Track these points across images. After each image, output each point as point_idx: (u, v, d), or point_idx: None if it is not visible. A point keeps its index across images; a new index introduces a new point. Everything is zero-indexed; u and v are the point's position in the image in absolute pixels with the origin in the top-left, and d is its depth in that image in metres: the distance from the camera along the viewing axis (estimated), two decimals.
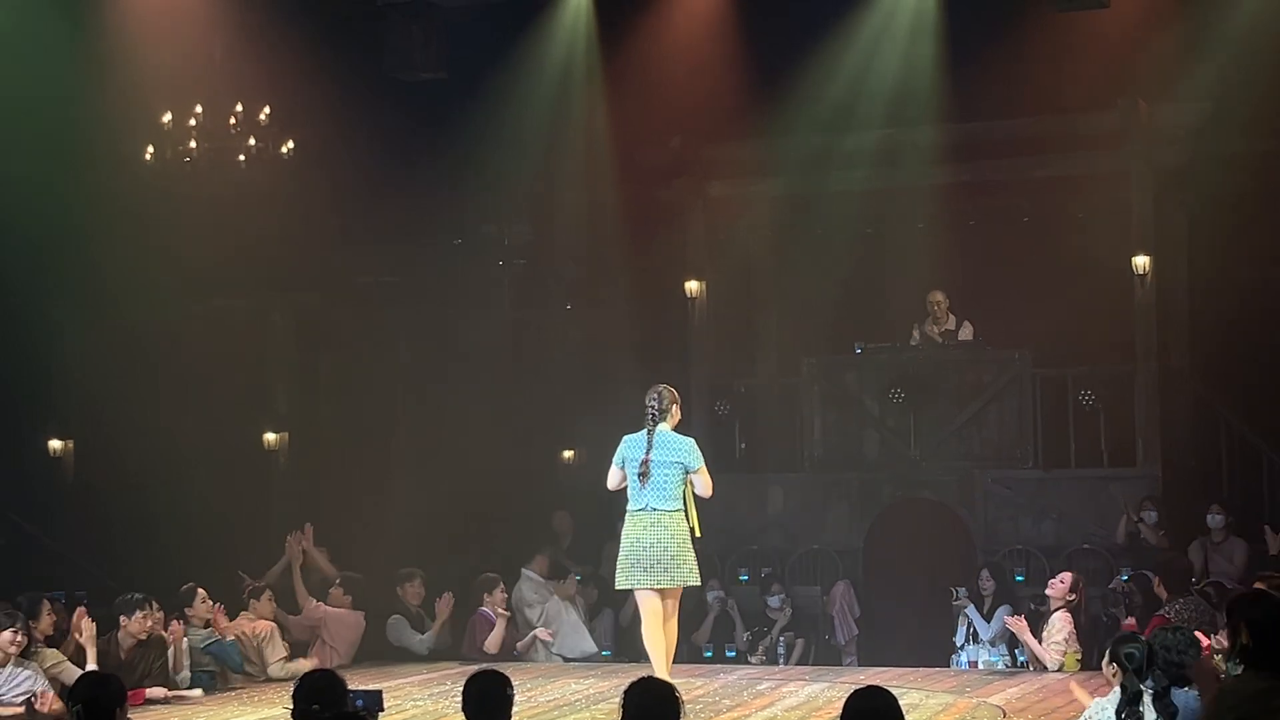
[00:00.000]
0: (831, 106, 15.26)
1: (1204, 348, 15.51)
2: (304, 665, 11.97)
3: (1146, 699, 7.05)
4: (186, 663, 11.46)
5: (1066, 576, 12.28)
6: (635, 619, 14.04)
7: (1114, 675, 7.28)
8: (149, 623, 11.03)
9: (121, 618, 11.02)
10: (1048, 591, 12.30)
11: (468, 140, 15.58)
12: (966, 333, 15.60)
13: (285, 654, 12.17)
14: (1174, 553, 13.19)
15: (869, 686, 5.92)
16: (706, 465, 10.29)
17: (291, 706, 6.53)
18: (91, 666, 10.37)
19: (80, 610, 10.88)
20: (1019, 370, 15.27)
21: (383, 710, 8.30)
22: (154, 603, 11.18)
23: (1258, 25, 14.00)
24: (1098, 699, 7.40)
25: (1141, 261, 15.02)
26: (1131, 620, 11.95)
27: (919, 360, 15.51)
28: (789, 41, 14.93)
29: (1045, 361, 15.33)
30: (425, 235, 16.93)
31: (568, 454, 17.65)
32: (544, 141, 15.83)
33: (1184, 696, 7.07)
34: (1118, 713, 7.10)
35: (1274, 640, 6.51)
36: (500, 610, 13.26)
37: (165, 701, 10.85)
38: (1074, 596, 12.14)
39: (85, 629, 10.71)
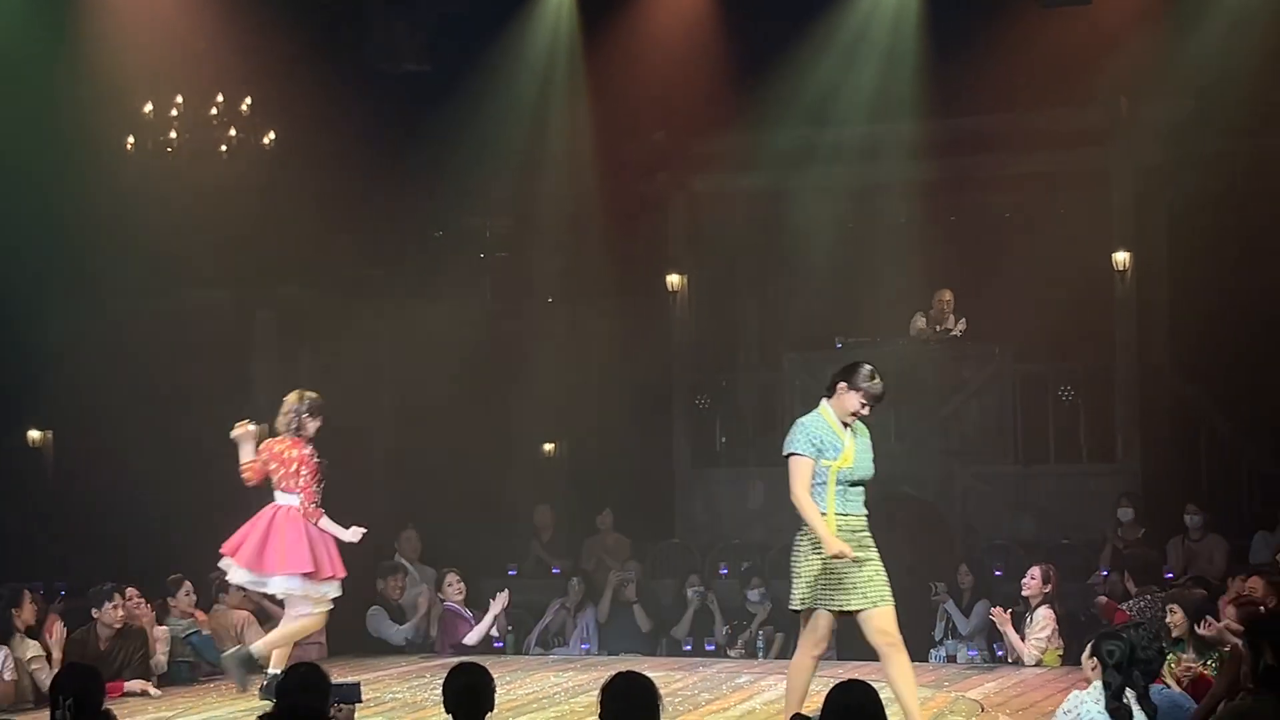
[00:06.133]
0: (814, 101, 15.28)
1: (1183, 344, 15.55)
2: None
3: (1130, 696, 7.05)
4: (165, 649, 11.44)
5: (1035, 571, 12.17)
6: (614, 614, 14.07)
7: (1093, 670, 7.28)
8: (120, 612, 10.99)
9: (93, 610, 11.00)
10: (1024, 593, 12.25)
11: (450, 132, 15.54)
12: (960, 329, 15.63)
13: None
14: (1141, 548, 13.24)
15: (850, 680, 5.91)
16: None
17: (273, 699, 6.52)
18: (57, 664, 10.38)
19: (53, 616, 10.83)
20: (999, 366, 15.31)
21: (360, 702, 8.30)
22: (124, 591, 11.13)
23: (1239, 23, 14.05)
24: (1075, 691, 7.40)
25: (1122, 258, 15.07)
26: (1102, 599, 11.97)
27: (899, 355, 15.53)
28: (771, 36, 14.93)
29: (1025, 357, 15.37)
30: (407, 227, 16.89)
31: (548, 447, 17.64)
32: (526, 134, 15.80)
33: (1167, 694, 7.03)
34: (1108, 709, 7.08)
35: None
36: (495, 603, 13.22)
37: (143, 694, 10.83)
38: (1049, 588, 12.12)
39: (55, 631, 10.68)
